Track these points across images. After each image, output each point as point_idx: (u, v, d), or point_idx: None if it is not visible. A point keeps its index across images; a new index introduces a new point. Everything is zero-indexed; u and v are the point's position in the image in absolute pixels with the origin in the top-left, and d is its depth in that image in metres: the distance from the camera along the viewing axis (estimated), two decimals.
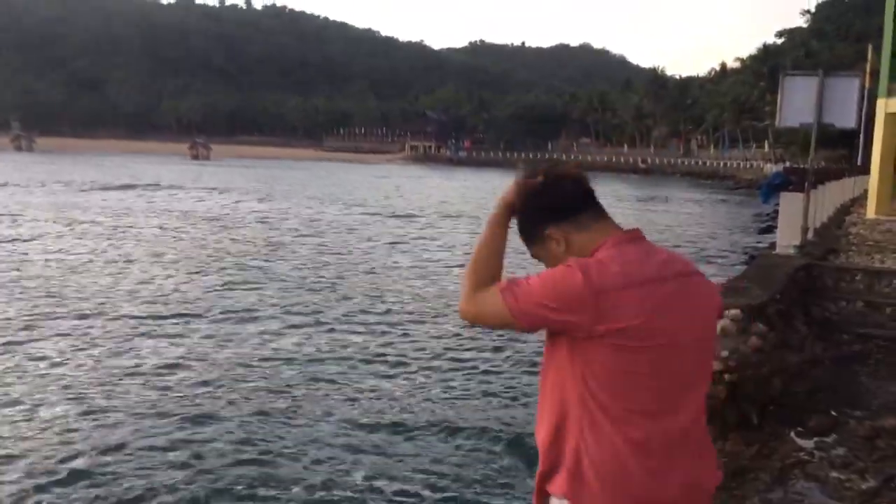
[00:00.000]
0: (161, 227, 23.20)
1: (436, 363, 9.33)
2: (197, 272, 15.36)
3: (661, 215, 33.72)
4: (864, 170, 24.94)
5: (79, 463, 6.16)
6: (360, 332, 10.74)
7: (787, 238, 9.97)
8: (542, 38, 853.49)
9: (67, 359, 9.00)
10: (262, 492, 5.80)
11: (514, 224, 1.83)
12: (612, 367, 1.60)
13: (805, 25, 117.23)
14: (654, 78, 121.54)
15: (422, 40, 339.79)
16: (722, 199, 49.00)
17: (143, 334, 10.23)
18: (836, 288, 8.36)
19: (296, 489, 5.83)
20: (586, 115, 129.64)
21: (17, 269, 14.86)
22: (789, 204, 10.21)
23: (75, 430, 6.85)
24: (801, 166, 17.17)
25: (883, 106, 17.89)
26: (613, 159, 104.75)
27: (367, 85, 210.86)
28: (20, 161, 69.47)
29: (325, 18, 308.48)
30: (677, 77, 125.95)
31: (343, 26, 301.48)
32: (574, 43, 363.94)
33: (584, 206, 1.74)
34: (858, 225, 15.33)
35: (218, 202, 33.80)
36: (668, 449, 1.64)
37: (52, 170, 55.81)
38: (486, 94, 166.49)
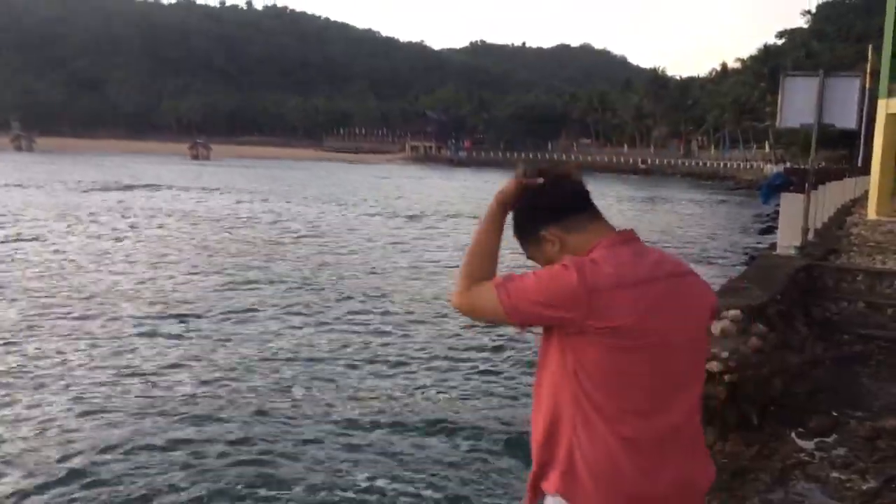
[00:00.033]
0: (162, 228, 23.20)
1: (436, 363, 9.33)
2: (197, 272, 15.35)
3: (661, 216, 33.72)
4: (865, 170, 24.93)
5: (79, 463, 6.16)
6: (360, 332, 10.73)
7: (787, 239, 9.97)
8: (542, 38, 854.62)
9: (67, 359, 8.99)
10: (262, 492, 5.80)
11: (509, 221, 1.83)
12: (605, 367, 1.62)
13: (805, 26, 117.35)
14: (655, 78, 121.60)
15: (422, 41, 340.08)
16: (722, 199, 48.98)
17: (143, 334, 10.22)
18: (837, 288, 8.36)
19: (296, 489, 5.83)
20: (586, 116, 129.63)
21: (18, 269, 14.86)
22: (790, 204, 10.21)
23: (75, 430, 6.85)
24: (802, 167, 17.17)
25: (884, 106, 17.89)
26: (614, 160, 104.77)
27: (368, 85, 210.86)
28: (20, 161, 69.47)
29: (326, 19, 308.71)
30: (678, 77, 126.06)
31: (344, 27, 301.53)
32: (575, 43, 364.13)
33: (579, 208, 1.75)
34: (859, 225, 15.32)
35: (218, 202, 33.80)
36: (660, 447, 1.66)
37: (53, 170, 55.83)
38: (487, 95, 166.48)
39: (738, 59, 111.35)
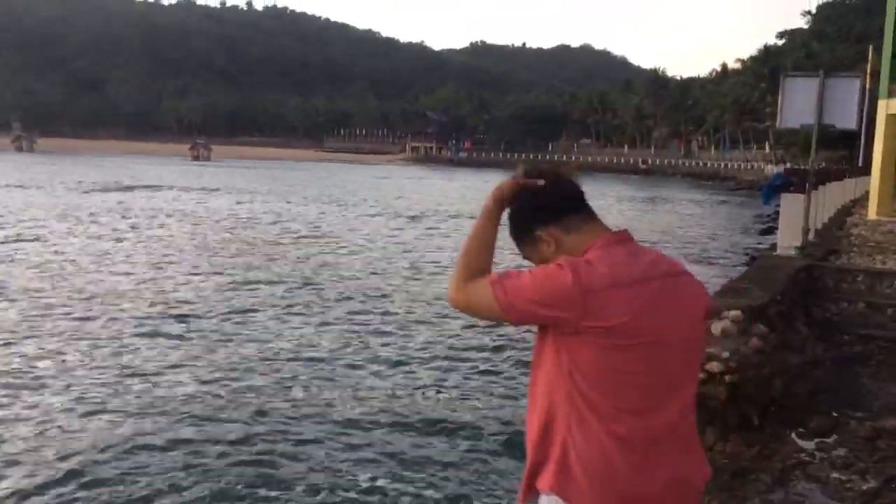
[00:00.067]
0: (163, 228, 23.21)
1: (436, 363, 9.33)
2: (198, 272, 15.35)
3: (662, 216, 33.71)
4: (865, 171, 24.94)
5: (79, 463, 6.15)
6: (360, 332, 10.73)
7: (787, 239, 9.97)
8: (542, 38, 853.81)
9: (68, 358, 8.99)
10: (262, 492, 5.80)
11: (505, 221, 1.84)
12: (600, 366, 1.63)
13: (806, 26, 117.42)
14: (655, 78, 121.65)
15: (422, 41, 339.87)
16: (723, 200, 48.99)
17: (143, 334, 10.22)
18: (837, 289, 8.36)
19: (297, 488, 5.83)
20: (587, 116, 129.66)
21: (19, 270, 14.86)
22: (790, 205, 10.22)
23: (75, 430, 6.85)
24: (802, 167, 17.18)
25: (884, 107, 17.90)
26: (614, 160, 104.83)
27: (368, 85, 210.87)
28: (21, 162, 69.48)
29: (327, 19, 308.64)
30: (678, 78, 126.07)
31: (344, 27, 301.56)
32: (575, 44, 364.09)
33: (574, 208, 1.77)
34: (859, 226, 15.32)
35: (219, 203, 33.80)
36: (655, 446, 1.67)
37: (54, 170, 55.85)
38: (487, 95, 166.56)
39: (739, 60, 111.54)
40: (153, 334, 10.26)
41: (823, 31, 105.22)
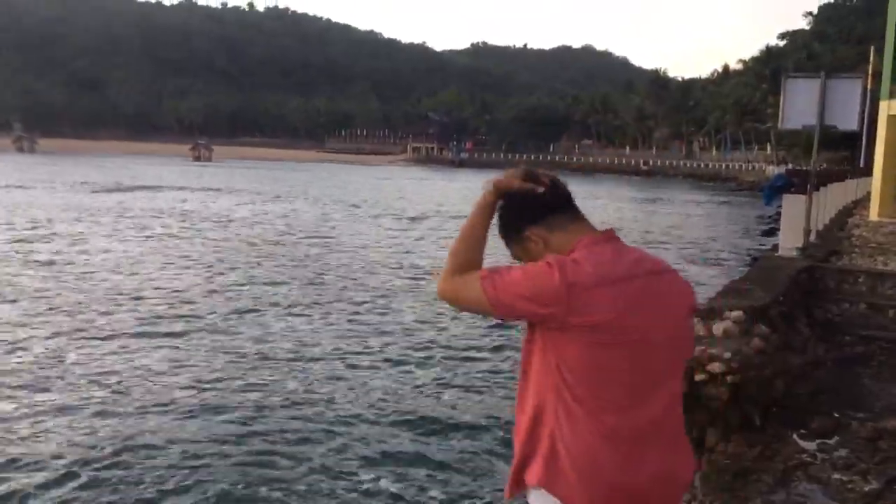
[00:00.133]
0: (164, 228, 23.22)
1: (436, 363, 9.34)
2: (200, 272, 15.37)
3: (663, 217, 33.70)
4: (867, 172, 24.93)
5: (79, 462, 6.15)
6: (361, 332, 10.74)
7: (789, 240, 9.97)
8: (544, 39, 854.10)
9: (69, 358, 8.99)
10: (263, 490, 5.81)
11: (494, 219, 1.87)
12: (586, 362, 1.66)
13: (807, 27, 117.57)
14: (656, 79, 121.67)
15: (424, 42, 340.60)
16: (724, 200, 48.96)
17: (144, 334, 10.22)
18: (839, 290, 8.36)
19: (298, 488, 5.84)
20: (588, 117, 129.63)
21: (21, 270, 14.88)
22: (792, 206, 10.22)
23: (76, 430, 6.85)
24: (804, 168, 17.18)
25: (885, 108, 17.89)
26: (615, 161, 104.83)
27: (369, 86, 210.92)
28: (22, 162, 69.53)
29: (328, 20, 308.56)
30: (679, 79, 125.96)
31: (346, 28, 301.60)
32: (576, 45, 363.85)
33: (562, 208, 1.81)
34: (861, 227, 15.30)
35: (221, 204, 33.82)
36: (641, 440, 1.69)
37: (55, 171, 55.89)
38: (489, 96, 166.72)
39: (740, 61, 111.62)
40: (154, 334, 10.27)
41: (825, 32, 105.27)
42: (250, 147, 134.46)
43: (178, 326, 10.75)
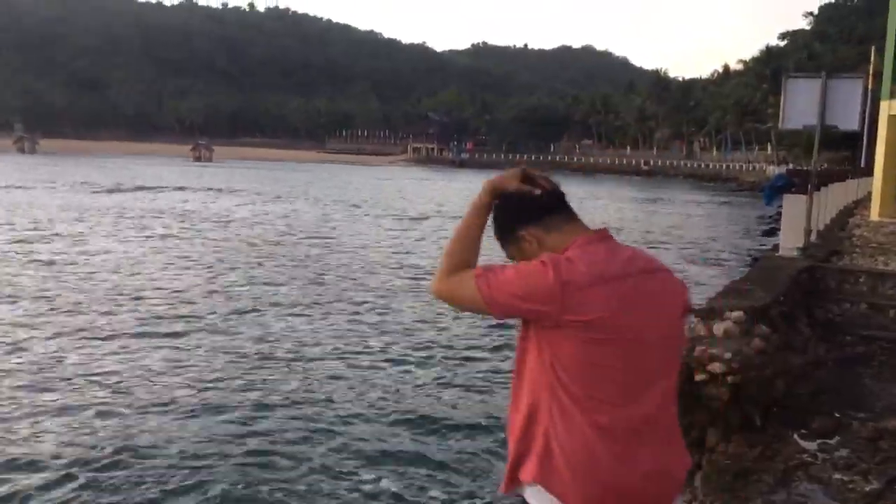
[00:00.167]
0: (166, 229, 23.24)
1: (437, 362, 9.34)
2: (201, 272, 15.37)
3: (664, 217, 33.70)
4: (868, 172, 24.93)
5: (79, 462, 6.15)
6: (361, 332, 10.74)
7: (790, 240, 9.97)
8: (544, 40, 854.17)
9: (69, 358, 8.99)
10: (264, 489, 5.81)
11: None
12: (580, 360, 1.68)
13: (808, 27, 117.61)
14: (657, 80, 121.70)
15: (424, 42, 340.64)
16: (725, 201, 48.96)
17: (145, 334, 10.22)
18: (840, 290, 8.35)
19: (298, 487, 5.83)
20: (589, 118, 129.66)
21: (23, 270, 14.89)
22: (792, 206, 10.22)
23: (76, 430, 6.85)
24: (804, 168, 17.18)
25: (886, 108, 17.88)
26: (616, 161, 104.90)
27: (369, 86, 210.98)
28: (23, 163, 69.54)
29: (328, 20, 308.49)
30: (680, 79, 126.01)
31: (346, 28, 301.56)
32: (577, 45, 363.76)
33: (556, 209, 1.82)
34: (862, 227, 15.29)
35: (221, 204, 33.84)
36: (635, 437, 1.71)
37: (57, 172, 55.92)
38: (489, 97, 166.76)
39: (741, 61, 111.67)
40: (154, 334, 10.27)
41: (825, 32, 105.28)
42: (251, 147, 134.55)
43: (179, 326, 10.75)
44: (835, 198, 17.07)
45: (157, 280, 14.42)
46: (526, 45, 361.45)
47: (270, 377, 8.60)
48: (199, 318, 11.27)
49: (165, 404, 7.57)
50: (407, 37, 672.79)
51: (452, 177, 74.54)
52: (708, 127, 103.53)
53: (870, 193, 20.17)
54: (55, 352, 9.26)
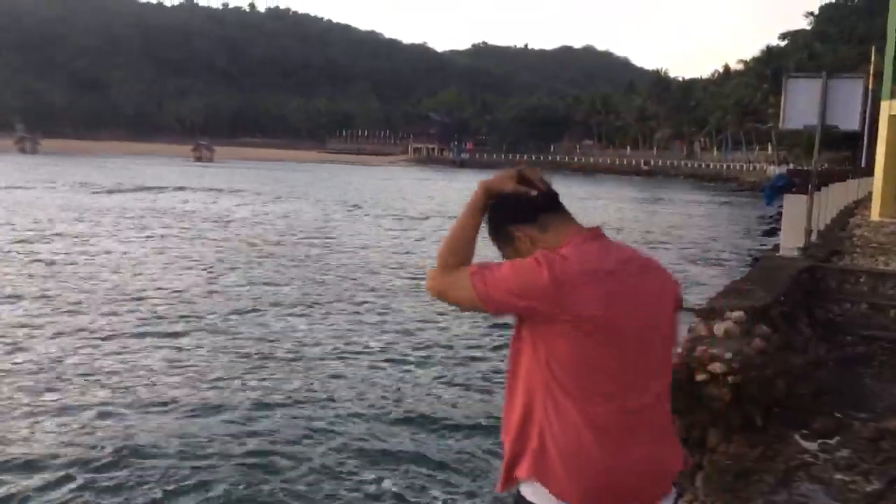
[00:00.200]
0: (166, 229, 23.23)
1: (437, 362, 9.34)
2: (200, 273, 15.37)
3: (664, 217, 33.69)
4: (868, 172, 24.92)
5: (79, 462, 6.16)
6: (362, 332, 10.74)
7: (790, 240, 9.96)
8: (545, 40, 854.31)
9: (70, 358, 8.99)
10: (265, 488, 5.81)
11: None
12: (575, 355, 1.69)
13: (808, 27, 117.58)
14: (658, 80, 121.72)
15: (425, 42, 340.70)
16: (725, 201, 48.95)
17: (145, 334, 10.22)
18: (840, 290, 8.35)
19: (298, 487, 5.83)
20: (589, 118, 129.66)
21: (26, 270, 14.89)
22: (793, 206, 10.21)
23: (75, 429, 6.85)
24: (805, 168, 17.18)
25: (887, 108, 17.88)
26: (616, 161, 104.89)
27: (369, 86, 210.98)
28: (24, 163, 69.51)
29: (329, 21, 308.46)
30: (680, 79, 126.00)
31: (346, 28, 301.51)
32: (577, 45, 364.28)
33: (550, 208, 1.84)
34: (862, 227, 15.29)
35: (222, 204, 33.84)
36: (629, 432, 1.72)
37: (57, 172, 55.89)
38: (489, 97, 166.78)
39: (741, 61, 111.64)
40: (154, 334, 10.27)
41: (826, 33, 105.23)
42: (251, 147, 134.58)
43: (179, 326, 10.75)
44: (835, 198, 17.06)
45: (157, 280, 14.42)
46: (526, 46, 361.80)
47: (270, 377, 8.60)
48: (199, 318, 11.27)
49: (165, 404, 7.57)
50: (407, 37, 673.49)
51: (453, 177, 74.51)
52: (708, 127, 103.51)
53: (870, 193, 20.17)
54: (55, 352, 9.26)
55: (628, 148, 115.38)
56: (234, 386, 8.22)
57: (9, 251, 17.31)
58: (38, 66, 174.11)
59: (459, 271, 1.78)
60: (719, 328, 5.37)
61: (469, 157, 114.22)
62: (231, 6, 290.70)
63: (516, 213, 1.83)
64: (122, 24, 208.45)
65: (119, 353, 9.30)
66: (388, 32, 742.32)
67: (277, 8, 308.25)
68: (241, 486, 5.85)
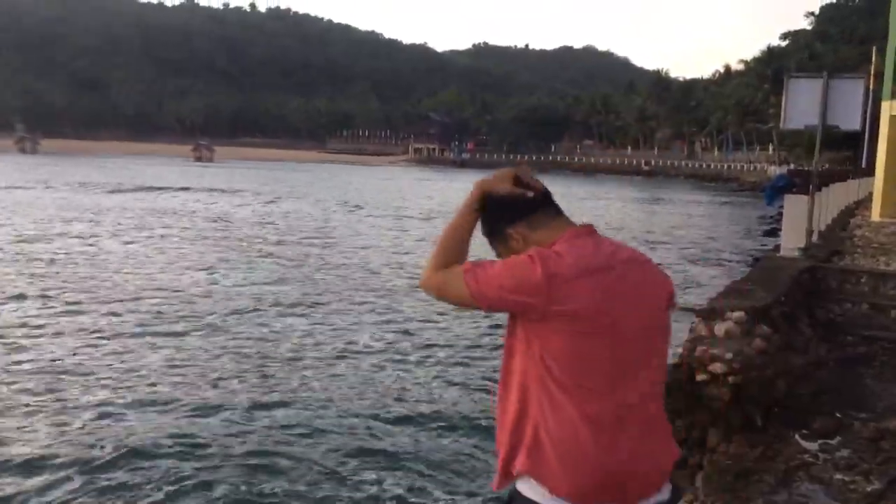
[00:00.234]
0: (166, 228, 23.24)
1: (437, 361, 9.34)
2: (201, 273, 15.37)
3: (665, 217, 33.68)
4: (869, 172, 24.93)
5: (79, 462, 6.15)
6: (362, 332, 10.74)
7: (791, 240, 9.96)
8: (545, 40, 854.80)
9: (70, 357, 8.99)
10: (266, 488, 5.81)
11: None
12: (568, 350, 1.70)
13: (809, 28, 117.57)
14: (658, 80, 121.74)
15: (425, 42, 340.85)
16: (726, 201, 48.95)
17: (146, 334, 10.21)
18: (841, 290, 8.35)
19: (298, 486, 5.83)
20: (590, 118, 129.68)
21: (27, 270, 14.89)
22: (793, 206, 10.21)
23: (75, 429, 6.85)
24: (806, 168, 17.18)
25: (888, 108, 17.88)
26: (617, 161, 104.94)
27: (370, 86, 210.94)
28: (24, 163, 69.53)
29: (329, 21, 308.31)
30: (681, 79, 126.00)
31: (346, 28, 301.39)
32: (577, 45, 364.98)
33: (543, 206, 1.86)
34: (863, 227, 15.28)
35: (222, 204, 33.85)
36: (623, 426, 1.73)
37: (58, 172, 55.91)
38: (490, 97, 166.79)
39: (742, 61, 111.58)
40: (155, 333, 10.26)
41: (827, 33, 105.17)
42: (251, 148, 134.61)
43: (179, 326, 10.75)
44: (836, 198, 17.05)
45: (157, 280, 14.41)
46: (527, 46, 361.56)
47: (270, 377, 8.59)
48: (199, 318, 11.27)
49: (165, 404, 7.56)
50: (407, 37, 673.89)
51: (453, 177, 74.48)
52: (709, 127, 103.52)
53: (871, 194, 20.16)
54: (55, 352, 9.26)
55: (629, 148, 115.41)
56: (234, 386, 8.22)
57: (8, 251, 17.31)
58: (38, 66, 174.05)
59: (453, 269, 1.79)
60: (720, 328, 5.37)
61: (469, 158, 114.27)
62: (231, 6, 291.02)
63: (510, 213, 1.84)
64: (122, 24, 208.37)
65: (119, 353, 9.30)
66: (389, 32, 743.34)
67: (278, 8, 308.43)
68: (241, 486, 5.85)
